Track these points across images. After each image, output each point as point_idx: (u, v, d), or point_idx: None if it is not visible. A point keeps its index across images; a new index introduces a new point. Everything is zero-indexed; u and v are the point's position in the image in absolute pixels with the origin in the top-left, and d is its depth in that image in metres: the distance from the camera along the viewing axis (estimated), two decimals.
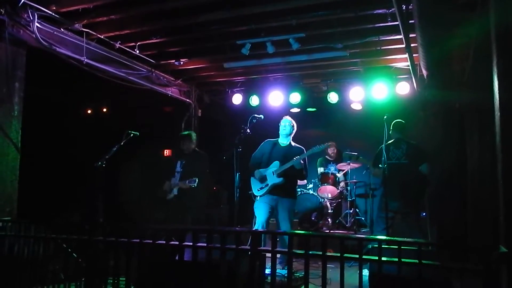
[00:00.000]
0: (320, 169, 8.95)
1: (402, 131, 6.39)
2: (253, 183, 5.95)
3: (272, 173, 5.74)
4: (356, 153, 7.70)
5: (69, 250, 4.20)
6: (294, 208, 5.98)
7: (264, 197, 5.78)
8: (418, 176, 6.15)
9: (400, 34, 5.41)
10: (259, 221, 5.74)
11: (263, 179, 5.77)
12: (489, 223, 5.72)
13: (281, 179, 5.67)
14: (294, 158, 5.61)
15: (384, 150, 5.85)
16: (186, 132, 7.07)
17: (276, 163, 5.78)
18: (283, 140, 5.98)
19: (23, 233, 4.25)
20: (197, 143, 6.96)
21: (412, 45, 5.59)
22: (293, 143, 6.00)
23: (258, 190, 5.81)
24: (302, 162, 5.69)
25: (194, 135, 6.97)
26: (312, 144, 5.83)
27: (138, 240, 3.74)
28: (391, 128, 6.38)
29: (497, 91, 3.40)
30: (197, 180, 6.20)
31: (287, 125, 5.95)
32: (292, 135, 6.02)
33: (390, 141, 6.31)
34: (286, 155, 5.79)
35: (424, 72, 6.38)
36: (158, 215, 6.98)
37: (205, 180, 6.59)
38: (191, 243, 3.59)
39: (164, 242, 3.70)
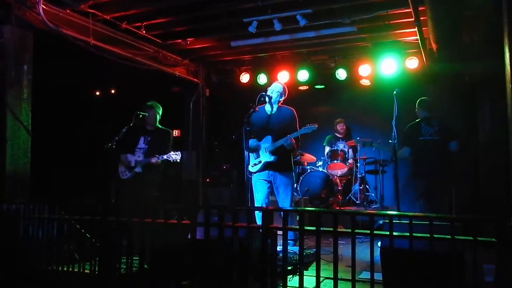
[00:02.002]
0: (327, 148, 8.93)
1: (429, 109, 6.28)
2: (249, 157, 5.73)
3: (264, 150, 5.60)
4: (369, 139, 7.67)
5: (83, 231, 4.26)
6: (293, 181, 5.81)
7: (260, 173, 5.65)
8: (448, 154, 6.09)
9: (409, 8, 5.35)
10: (259, 199, 5.64)
11: (257, 153, 5.65)
12: (501, 194, 5.72)
13: (274, 157, 5.53)
14: (287, 136, 5.41)
15: (406, 129, 5.75)
16: (150, 103, 6.31)
17: (268, 139, 5.59)
18: (270, 107, 5.71)
19: (36, 214, 4.31)
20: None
21: (421, 18, 5.52)
22: (281, 106, 5.75)
23: (252, 166, 5.68)
24: (292, 140, 5.46)
25: (160, 108, 6.35)
26: (320, 122, 5.72)
27: (150, 220, 3.77)
28: (416, 107, 6.31)
29: (508, 63, 3.36)
30: (180, 153, 5.81)
31: (274, 91, 5.65)
32: (282, 101, 5.76)
33: (418, 119, 6.27)
34: (276, 123, 5.62)
35: (434, 46, 6.31)
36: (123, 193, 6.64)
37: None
38: (203, 222, 3.62)
39: (176, 221, 3.73)
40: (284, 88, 5.75)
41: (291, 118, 5.66)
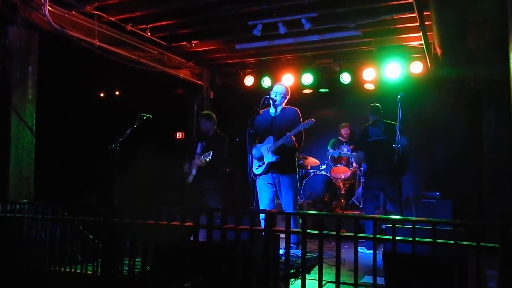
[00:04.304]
0: (331, 151, 8.89)
1: (377, 113, 6.53)
2: (253, 161, 5.76)
3: (267, 151, 5.61)
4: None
5: (86, 232, 4.26)
6: (297, 185, 5.77)
7: (264, 176, 5.66)
8: (396, 151, 6.17)
9: (414, 12, 5.34)
10: (264, 202, 5.65)
11: (260, 156, 5.67)
12: (506, 200, 5.70)
13: (276, 156, 5.52)
14: (286, 134, 5.40)
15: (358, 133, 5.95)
16: (207, 112, 6.89)
17: (270, 139, 5.62)
18: (274, 110, 5.75)
19: (40, 215, 4.32)
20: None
21: (426, 23, 5.51)
22: (285, 107, 5.77)
23: (257, 169, 5.68)
24: (293, 137, 5.45)
25: (214, 115, 6.76)
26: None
27: (153, 222, 3.78)
28: (368, 113, 6.57)
29: None
30: (211, 153, 6.05)
31: (278, 94, 5.67)
32: (285, 102, 5.77)
33: (368, 123, 6.46)
34: (278, 124, 5.63)
35: (438, 50, 6.30)
36: (173, 197, 6.95)
37: (223, 163, 6.51)
38: (205, 224, 3.62)
39: (179, 223, 3.73)
40: (286, 89, 5.76)
41: (294, 118, 5.65)
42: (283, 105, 5.74)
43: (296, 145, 5.53)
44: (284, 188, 5.59)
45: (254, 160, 5.67)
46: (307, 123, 5.44)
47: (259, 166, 5.64)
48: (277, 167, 5.57)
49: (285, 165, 5.58)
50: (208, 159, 6.06)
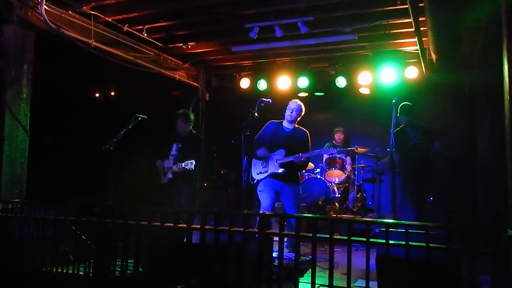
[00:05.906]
0: (325, 156, 8.88)
1: (410, 114, 6.46)
2: (254, 165, 5.80)
3: (275, 161, 5.64)
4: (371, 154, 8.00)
5: (78, 232, 4.24)
6: (300, 193, 5.86)
7: (267, 180, 5.69)
8: (430, 157, 6.26)
9: (410, 18, 5.37)
10: (264, 205, 5.68)
11: (265, 162, 5.69)
12: (499, 205, 5.71)
13: (283, 169, 5.57)
14: (299, 154, 5.46)
15: (393, 135, 5.84)
16: (182, 111, 6.51)
17: (281, 151, 5.64)
18: (288, 124, 5.80)
19: (32, 215, 4.29)
20: (193, 124, 6.52)
21: (421, 28, 5.54)
22: (297, 126, 5.83)
23: (257, 174, 5.72)
24: (303, 159, 5.52)
25: (192, 115, 6.48)
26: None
27: (146, 223, 3.76)
28: (398, 112, 6.38)
29: (507, 74, 3.37)
30: (194, 162, 5.82)
31: (294, 110, 5.70)
32: (299, 120, 5.83)
33: (403, 125, 6.34)
34: (291, 141, 5.68)
35: (433, 56, 6.33)
36: (159, 198, 6.82)
37: (200, 165, 6.24)
38: (199, 226, 3.61)
39: (172, 224, 3.72)
40: (301, 106, 5.78)
41: (304, 140, 5.73)
42: (296, 123, 5.81)
43: (304, 164, 5.66)
44: (288, 197, 5.68)
45: (256, 164, 5.71)
46: (330, 151, 5.61)
47: (260, 172, 5.67)
48: (282, 176, 5.64)
49: (290, 176, 5.65)
50: (189, 168, 5.83)
